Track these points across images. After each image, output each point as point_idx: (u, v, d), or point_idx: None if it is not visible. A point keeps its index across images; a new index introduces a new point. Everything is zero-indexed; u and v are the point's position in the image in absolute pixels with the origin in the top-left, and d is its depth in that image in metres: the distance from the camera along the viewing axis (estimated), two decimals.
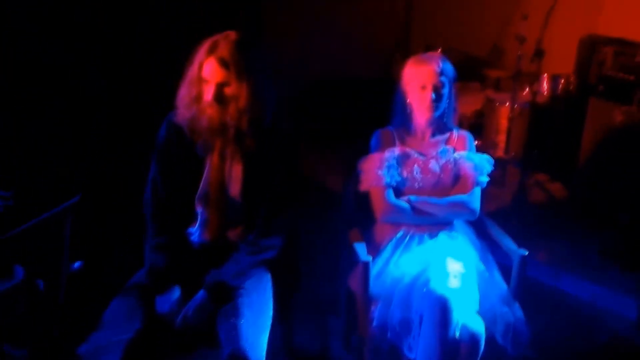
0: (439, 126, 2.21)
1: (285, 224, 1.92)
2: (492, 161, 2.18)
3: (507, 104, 3.86)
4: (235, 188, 1.91)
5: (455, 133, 2.22)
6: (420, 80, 2.10)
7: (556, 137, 4.08)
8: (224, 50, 1.78)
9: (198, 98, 1.82)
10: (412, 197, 2.10)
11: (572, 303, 2.96)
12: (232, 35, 1.82)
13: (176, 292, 1.83)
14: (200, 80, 1.81)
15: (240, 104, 1.80)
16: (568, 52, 4.37)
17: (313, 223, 3.41)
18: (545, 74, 4.06)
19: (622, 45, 3.91)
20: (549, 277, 3.12)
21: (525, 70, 3.69)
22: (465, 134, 2.23)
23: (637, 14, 4.18)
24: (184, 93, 1.84)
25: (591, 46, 4.14)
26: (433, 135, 2.21)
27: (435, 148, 2.19)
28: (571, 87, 4.10)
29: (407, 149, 2.18)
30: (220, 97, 1.80)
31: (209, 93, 1.81)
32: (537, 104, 3.87)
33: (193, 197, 1.93)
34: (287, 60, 4.70)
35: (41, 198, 2.22)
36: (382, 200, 2.10)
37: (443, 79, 2.09)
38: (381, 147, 2.18)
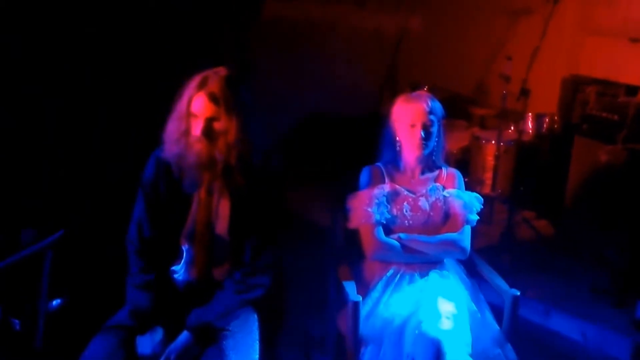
0: (428, 164, 2.21)
1: (272, 262, 1.88)
2: (482, 199, 2.17)
3: (493, 142, 3.90)
4: (222, 225, 1.88)
5: (444, 171, 2.22)
6: (409, 118, 2.11)
7: (542, 174, 4.11)
8: (214, 85, 1.78)
9: (186, 133, 1.81)
10: (402, 235, 2.09)
11: (563, 344, 2.92)
12: (222, 71, 1.83)
13: (159, 333, 1.77)
14: (189, 115, 1.80)
15: (229, 139, 1.79)
16: (551, 92, 4.45)
17: (302, 260, 3.37)
18: (530, 113, 4.12)
19: (604, 85, 4.00)
20: (540, 315, 3.08)
21: (510, 109, 3.74)
22: (454, 171, 2.23)
23: (616, 56, 4.29)
24: (172, 128, 1.82)
25: (574, 86, 4.23)
26: (422, 172, 2.21)
27: (425, 186, 2.18)
28: (555, 126, 4.16)
29: (397, 186, 2.17)
30: (209, 132, 1.79)
31: (197, 128, 1.79)
32: (523, 142, 3.91)
33: (179, 235, 1.89)
34: (275, 98, 4.76)
35: (22, 233, 2.15)
36: (372, 237, 2.07)
37: (432, 117, 2.10)
38: (370, 184, 2.17)
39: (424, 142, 2.11)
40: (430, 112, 2.10)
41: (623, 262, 3.24)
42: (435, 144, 2.16)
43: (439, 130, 2.15)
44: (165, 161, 1.87)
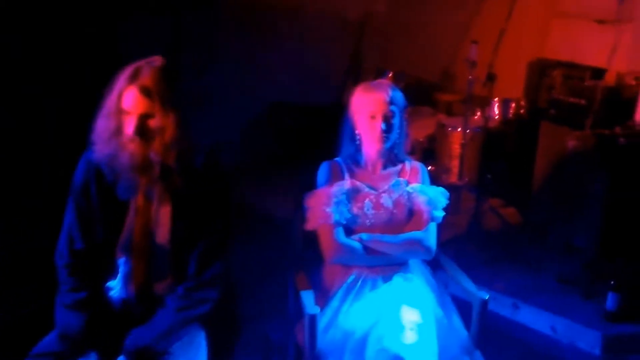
0: (390, 158, 2.06)
1: (221, 273, 1.70)
2: (447, 194, 2.03)
3: (459, 129, 3.79)
4: (162, 234, 1.70)
5: (407, 164, 2.08)
6: (369, 109, 1.96)
7: (509, 161, 4.03)
8: (147, 77, 1.58)
9: (118, 132, 1.61)
10: (364, 236, 1.94)
11: (532, 338, 2.85)
12: (156, 60, 1.62)
13: (92, 359, 1.57)
14: (120, 112, 1.60)
15: (166, 138, 1.60)
16: (517, 76, 4.37)
17: (264, 255, 3.22)
18: (496, 98, 4.02)
19: (570, 68, 3.92)
20: (508, 309, 3.00)
21: (476, 95, 3.63)
22: (418, 165, 2.09)
23: (582, 38, 4.22)
24: (101, 127, 1.62)
25: (540, 70, 4.15)
26: (384, 167, 2.06)
27: (387, 181, 2.04)
28: (522, 111, 4.08)
29: (357, 183, 2.02)
30: (143, 131, 1.60)
31: (130, 126, 1.60)
32: (489, 129, 3.82)
33: (114, 246, 1.70)
34: (238, 86, 4.57)
35: None
36: (331, 239, 1.92)
37: (393, 108, 1.95)
38: (329, 181, 2.01)
39: (385, 134, 1.96)
40: (391, 102, 1.95)
41: (591, 252, 3.18)
42: (398, 136, 2.01)
43: (401, 122, 2.00)
44: (96, 164, 1.67)
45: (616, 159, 3.03)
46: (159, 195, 1.68)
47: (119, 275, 1.71)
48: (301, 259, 2.06)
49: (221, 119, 4.58)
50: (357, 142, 2.04)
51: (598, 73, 3.87)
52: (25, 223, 2.74)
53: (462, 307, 1.95)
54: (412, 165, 2.08)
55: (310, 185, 2.05)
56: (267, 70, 4.76)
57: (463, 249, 3.40)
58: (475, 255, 3.39)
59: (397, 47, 4.86)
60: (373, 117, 1.96)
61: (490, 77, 3.38)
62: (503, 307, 3.00)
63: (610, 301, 2.75)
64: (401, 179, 2.03)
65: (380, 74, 4.51)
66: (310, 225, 1.97)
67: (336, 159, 2.09)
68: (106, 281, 1.72)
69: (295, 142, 4.79)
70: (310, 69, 4.84)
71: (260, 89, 4.76)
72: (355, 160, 2.07)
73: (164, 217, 1.69)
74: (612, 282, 2.76)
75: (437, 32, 4.87)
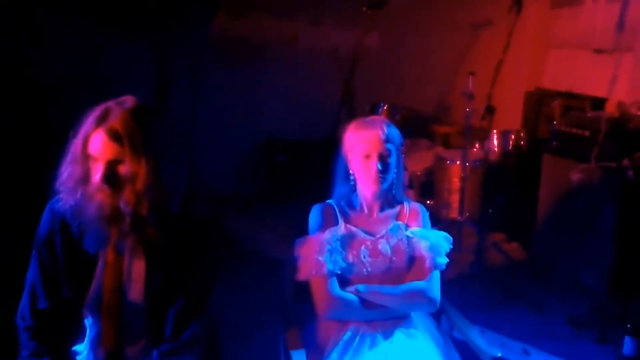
0: (388, 199, 1.90)
1: (201, 333, 1.53)
2: (451, 239, 1.87)
3: (458, 162, 3.66)
4: (135, 290, 1.54)
5: (406, 206, 1.92)
6: (363, 148, 1.81)
7: (511, 195, 3.90)
8: (115, 120, 1.45)
9: (84, 180, 1.47)
10: (361, 287, 1.77)
11: None
12: (128, 101, 1.49)
13: None
14: (86, 158, 1.46)
15: (137, 185, 1.46)
16: (515, 107, 4.29)
17: (252, 302, 3.03)
18: (495, 130, 3.91)
19: (569, 98, 3.83)
20: (518, 355, 2.80)
21: (474, 126, 3.53)
22: (418, 206, 1.93)
23: (580, 68, 4.14)
24: (66, 174, 1.48)
25: (538, 100, 4.06)
26: (381, 210, 1.90)
27: (385, 225, 1.87)
28: (522, 143, 3.97)
29: (352, 228, 1.85)
30: (111, 178, 1.45)
31: (97, 173, 1.45)
32: (489, 161, 3.70)
33: (81, 305, 1.53)
34: (229, 118, 4.48)
35: None
36: (325, 292, 1.75)
37: (389, 146, 1.80)
38: (321, 227, 1.85)
39: (381, 175, 1.81)
40: (387, 140, 1.80)
41: (601, 290, 3.01)
42: (395, 175, 1.86)
43: (398, 160, 1.85)
44: (61, 214, 1.52)
45: (625, 193, 2.89)
46: (131, 248, 1.52)
47: (87, 338, 1.55)
48: (292, 313, 1.88)
49: (213, 154, 4.48)
50: (352, 183, 1.89)
51: (598, 103, 3.79)
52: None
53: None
54: (411, 206, 1.92)
55: (304, 225, 1.89)
56: (260, 104, 4.69)
57: (467, 289, 3.25)
58: (480, 295, 3.23)
59: (390, 80, 4.80)
60: (368, 157, 1.81)
61: (490, 110, 3.27)
62: (512, 353, 2.81)
63: (628, 346, 2.56)
64: (400, 222, 1.88)
65: (374, 107, 4.42)
66: (302, 276, 1.80)
67: (329, 201, 1.93)
68: (72, 345, 1.55)
69: (288, 178, 4.68)
70: (303, 103, 4.77)
71: (253, 122, 4.68)
72: (350, 202, 1.91)
73: (137, 272, 1.53)
74: (628, 326, 2.58)
75: (432, 63, 4.81)
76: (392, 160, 1.82)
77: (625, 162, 2.92)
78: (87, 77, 3.19)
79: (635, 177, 2.85)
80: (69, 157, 1.47)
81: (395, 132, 1.84)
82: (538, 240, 3.57)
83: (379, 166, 1.79)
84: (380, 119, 1.96)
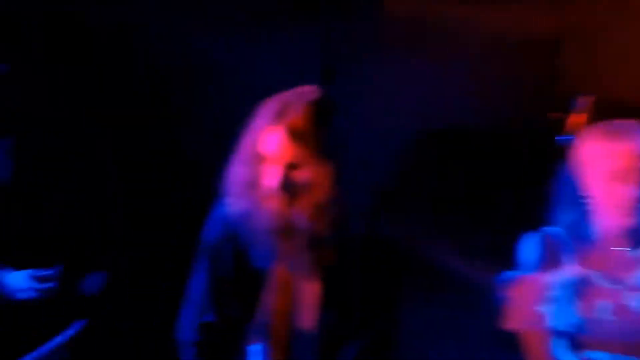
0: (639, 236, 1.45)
1: None
2: None
3: None
4: (308, 317, 1.35)
5: None
6: (613, 165, 1.40)
7: None
8: (298, 115, 1.25)
9: (253, 184, 1.30)
10: (597, 355, 1.35)
11: None
12: (311, 92, 1.29)
13: None
14: (258, 158, 1.29)
15: (316, 196, 1.25)
16: None
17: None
18: None
19: None
20: None
21: None
22: None
23: None
24: (234, 176, 1.33)
25: None
26: (631, 249, 1.45)
27: (635, 272, 1.42)
28: None
29: (588, 271, 1.43)
30: (288, 185, 1.25)
31: (270, 177, 1.27)
32: None
33: (246, 327, 1.38)
34: (400, 115, 4.21)
35: None
36: (542, 353, 1.39)
37: None
38: (541, 264, 1.47)
39: (637, 203, 1.38)
40: None
41: None
42: None
43: None
44: (231, 220, 1.38)
45: None
46: (305, 269, 1.34)
47: None
48: None
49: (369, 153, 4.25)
50: (586, 209, 1.46)
51: None
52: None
53: None
54: None
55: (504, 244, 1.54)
56: (436, 88, 4.34)
57: None
58: None
59: (597, 67, 4.07)
60: (619, 178, 1.39)
61: None
62: None
63: None
64: None
65: (575, 101, 3.79)
66: (511, 325, 1.45)
67: (552, 228, 1.51)
68: None
69: (468, 176, 4.26)
70: (484, 95, 4.32)
71: (429, 119, 4.35)
72: (583, 234, 1.48)
73: (310, 296, 1.35)
74: None
75: None
76: None
77: None
78: (242, 65, 3.08)
79: None
80: (238, 157, 1.33)
81: None
82: None
83: (637, 192, 1.37)
84: (632, 125, 1.50)
